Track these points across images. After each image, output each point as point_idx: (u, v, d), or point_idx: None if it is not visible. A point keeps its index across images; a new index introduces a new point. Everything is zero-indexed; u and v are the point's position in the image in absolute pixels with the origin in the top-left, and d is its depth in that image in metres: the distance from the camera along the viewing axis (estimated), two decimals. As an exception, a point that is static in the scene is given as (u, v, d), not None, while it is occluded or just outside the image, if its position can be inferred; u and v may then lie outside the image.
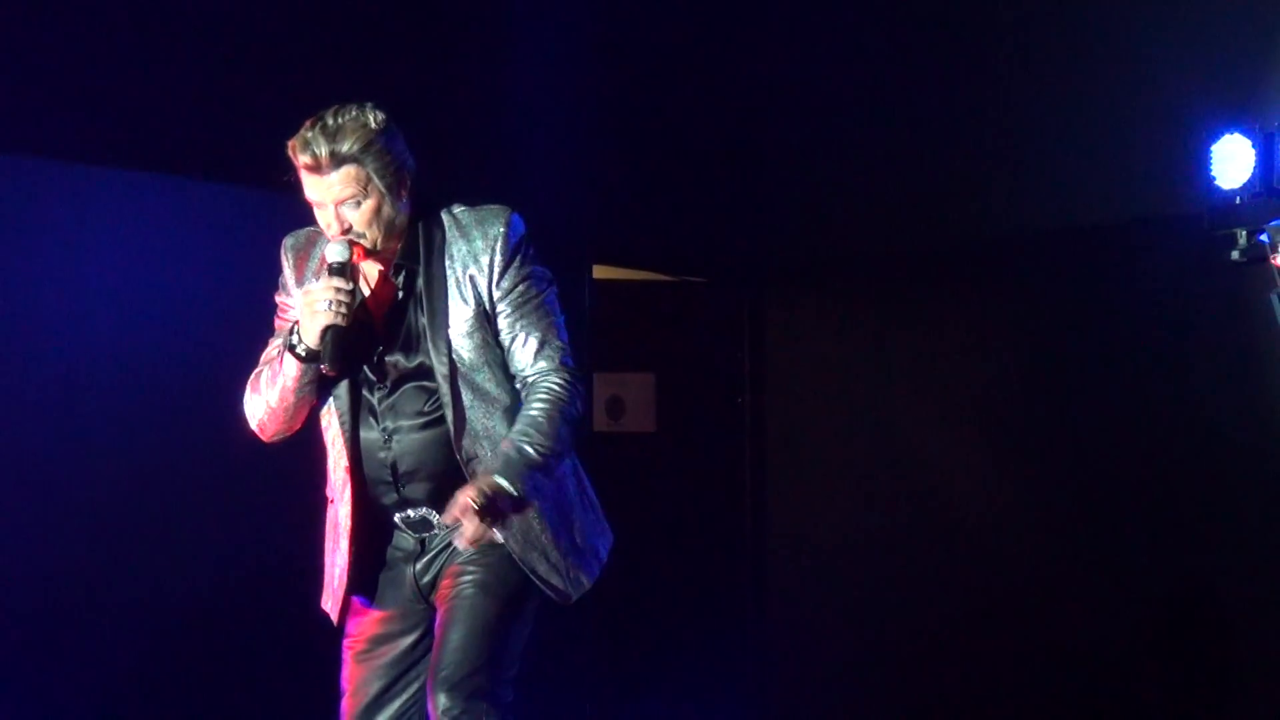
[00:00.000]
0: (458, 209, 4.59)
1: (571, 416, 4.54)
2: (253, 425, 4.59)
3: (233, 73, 6.94)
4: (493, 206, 4.57)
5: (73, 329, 6.42)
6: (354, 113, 4.44)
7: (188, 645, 6.50)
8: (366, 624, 4.58)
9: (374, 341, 4.56)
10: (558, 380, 4.49)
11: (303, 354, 4.44)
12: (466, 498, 4.30)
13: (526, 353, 4.50)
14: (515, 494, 4.37)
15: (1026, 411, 7.69)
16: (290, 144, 4.41)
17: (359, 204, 4.43)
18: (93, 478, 6.42)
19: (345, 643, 4.59)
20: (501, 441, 4.45)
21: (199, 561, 6.54)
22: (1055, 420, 7.62)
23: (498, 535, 4.47)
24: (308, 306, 4.44)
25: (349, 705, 4.58)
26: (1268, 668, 6.97)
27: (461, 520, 4.32)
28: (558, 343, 4.53)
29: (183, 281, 6.67)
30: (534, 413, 4.46)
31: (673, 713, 7.99)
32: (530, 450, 4.40)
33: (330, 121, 4.41)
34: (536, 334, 4.51)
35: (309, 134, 4.40)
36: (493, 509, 4.32)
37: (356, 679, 4.58)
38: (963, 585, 7.67)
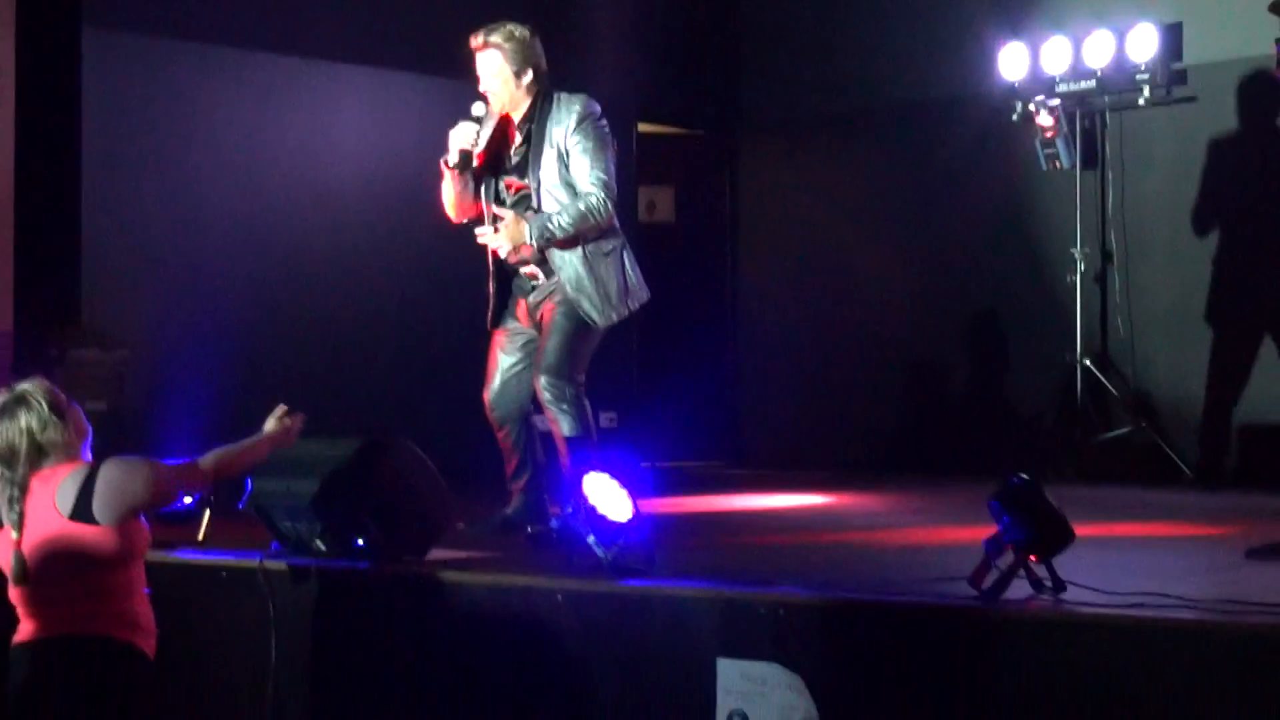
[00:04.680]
0: (562, 95, 5.43)
1: (594, 217, 5.25)
2: (447, 212, 5.53)
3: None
4: (580, 95, 5.43)
5: (344, 181, 8.11)
6: (510, 25, 5.38)
7: (424, 339, 8.15)
8: (504, 329, 5.59)
9: (506, 165, 5.44)
10: (594, 195, 5.29)
11: (449, 163, 5.38)
12: (508, 235, 5.24)
13: (581, 177, 5.33)
14: (529, 242, 5.26)
15: (900, 224, 9.23)
16: (471, 36, 5.42)
17: (493, 75, 5.36)
18: (374, 262, 8.14)
19: (493, 339, 5.61)
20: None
21: (434, 291, 8.15)
22: (914, 229, 9.19)
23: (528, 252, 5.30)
24: (453, 136, 5.34)
25: (491, 371, 5.58)
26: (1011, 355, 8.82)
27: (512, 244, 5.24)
28: (601, 174, 5.32)
29: (396, 146, 8.17)
30: (570, 206, 5.27)
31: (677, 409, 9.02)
32: (554, 223, 5.25)
33: (493, 25, 5.38)
34: (589, 167, 5.32)
35: (481, 30, 5.38)
36: (517, 243, 5.25)
37: (495, 358, 5.60)
38: (870, 321, 9.27)
